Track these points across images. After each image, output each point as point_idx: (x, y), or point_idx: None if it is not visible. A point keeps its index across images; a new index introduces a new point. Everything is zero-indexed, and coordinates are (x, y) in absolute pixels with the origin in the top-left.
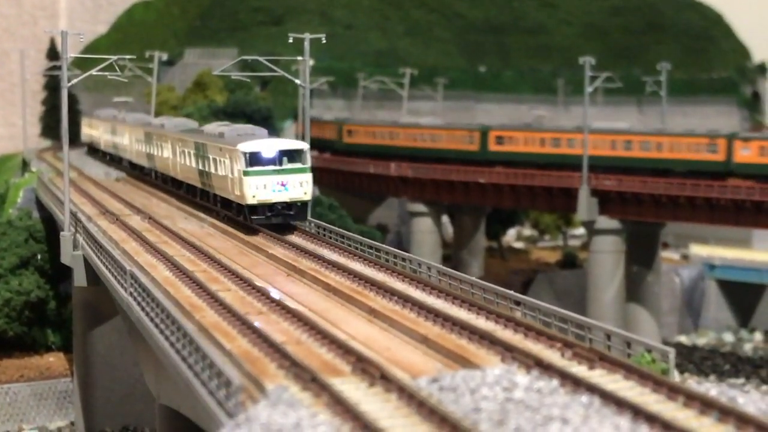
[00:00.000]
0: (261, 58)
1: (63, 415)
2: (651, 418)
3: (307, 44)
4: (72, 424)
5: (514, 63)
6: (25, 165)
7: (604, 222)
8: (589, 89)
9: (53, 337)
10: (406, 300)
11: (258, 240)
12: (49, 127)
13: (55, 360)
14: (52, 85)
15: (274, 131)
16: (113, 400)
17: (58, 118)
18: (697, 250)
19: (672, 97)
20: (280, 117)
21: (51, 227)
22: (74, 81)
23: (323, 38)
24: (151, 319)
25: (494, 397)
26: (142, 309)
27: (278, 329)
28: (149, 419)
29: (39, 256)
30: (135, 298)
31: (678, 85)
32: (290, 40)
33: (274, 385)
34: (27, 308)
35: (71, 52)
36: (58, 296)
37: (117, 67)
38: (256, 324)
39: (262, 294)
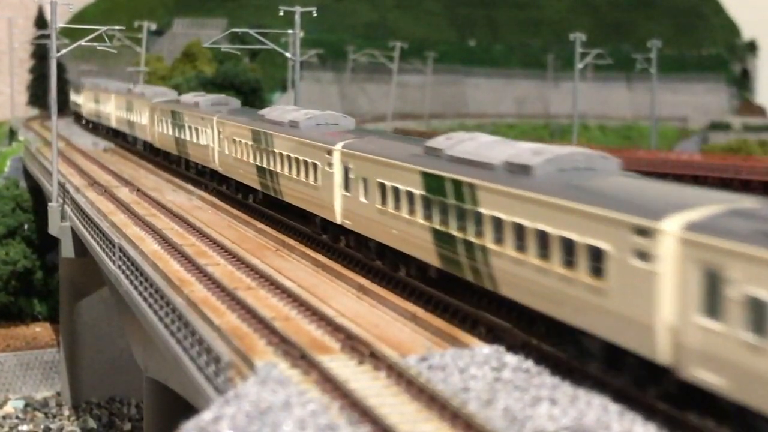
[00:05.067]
0: (251, 31)
1: (49, 385)
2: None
3: (297, 17)
4: (58, 394)
5: (504, 37)
6: (12, 134)
7: None
8: (579, 66)
9: (39, 307)
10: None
11: (246, 214)
12: (37, 95)
13: (41, 330)
14: (40, 54)
15: (263, 102)
16: (99, 371)
17: (46, 86)
18: None
19: (661, 73)
20: (269, 88)
21: (38, 197)
22: (64, 51)
23: (314, 12)
24: (140, 293)
25: (483, 377)
26: (131, 282)
27: (267, 305)
28: (135, 390)
29: (26, 226)
30: (123, 272)
31: (667, 62)
32: (281, 13)
33: (263, 362)
34: (13, 278)
35: (59, 20)
36: (44, 266)
37: (106, 38)
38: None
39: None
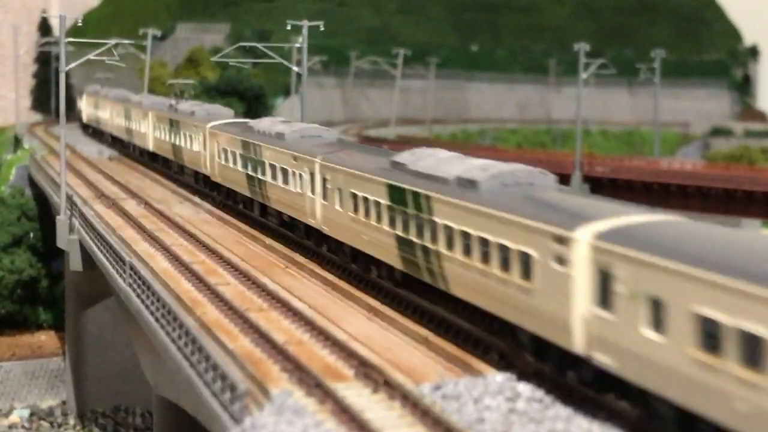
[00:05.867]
0: (259, 45)
1: (54, 394)
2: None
3: (305, 31)
4: (63, 403)
5: (506, 42)
6: (17, 141)
7: None
8: (583, 76)
9: (45, 315)
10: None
11: (254, 229)
12: (40, 100)
13: (46, 338)
14: (43, 59)
15: (266, 108)
16: (105, 380)
17: (49, 91)
18: None
19: (663, 79)
20: (271, 93)
21: (43, 205)
22: (72, 65)
23: (321, 26)
24: (152, 313)
25: (498, 407)
26: (143, 302)
27: (279, 327)
28: (141, 400)
29: (31, 235)
30: (134, 290)
31: (669, 67)
32: (288, 27)
33: (279, 389)
34: (19, 287)
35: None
36: (50, 274)
37: (114, 51)
38: None
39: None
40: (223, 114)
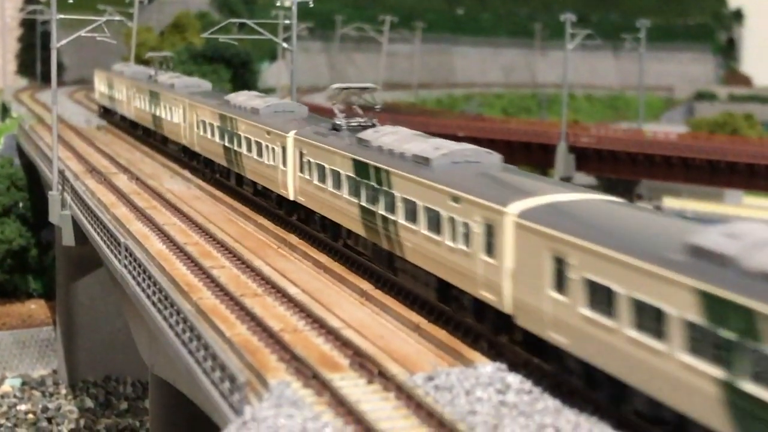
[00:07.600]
0: (249, 22)
1: (45, 363)
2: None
3: (294, 8)
4: (54, 372)
5: (492, 6)
6: (5, 110)
7: (581, 178)
8: (570, 47)
9: (34, 284)
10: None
11: (245, 207)
12: (25, 65)
13: (36, 307)
14: (29, 23)
15: (253, 74)
16: (96, 350)
17: (34, 55)
18: (670, 203)
19: (648, 43)
20: (257, 58)
21: (32, 175)
22: (63, 42)
23: (310, 2)
24: (148, 297)
25: (489, 399)
26: (138, 284)
27: (274, 315)
28: (131, 369)
29: (21, 204)
30: (130, 272)
31: (654, 32)
32: (278, 3)
33: (277, 380)
34: (9, 256)
35: None
36: (39, 243)
37: (105, 28)
38: None
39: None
40: (462, 153)
